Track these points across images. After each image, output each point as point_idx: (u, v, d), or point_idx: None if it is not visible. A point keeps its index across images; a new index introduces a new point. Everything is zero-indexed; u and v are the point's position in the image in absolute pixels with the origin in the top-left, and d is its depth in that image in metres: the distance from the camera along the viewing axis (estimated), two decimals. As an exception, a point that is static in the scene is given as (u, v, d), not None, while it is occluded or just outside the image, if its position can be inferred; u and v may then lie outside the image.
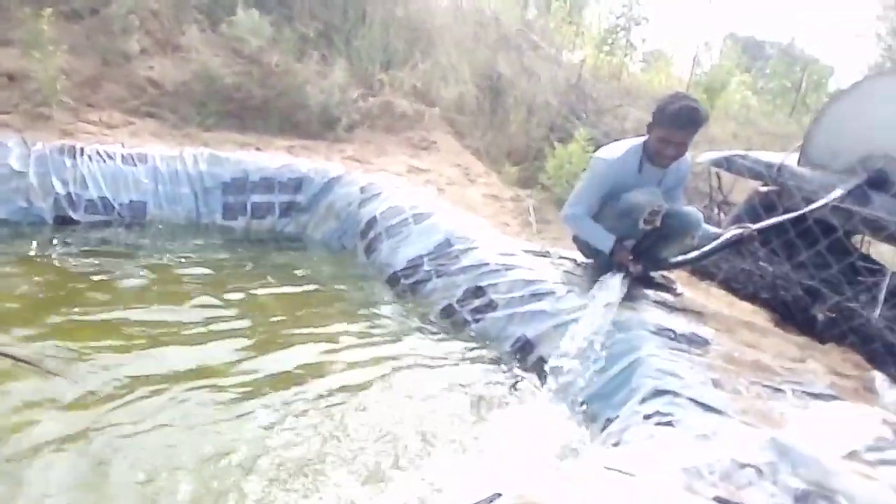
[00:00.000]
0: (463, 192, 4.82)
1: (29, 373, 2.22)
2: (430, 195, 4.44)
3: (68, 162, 3.79)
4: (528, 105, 6.42)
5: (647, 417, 2.11)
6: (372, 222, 4.05)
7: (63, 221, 3.74)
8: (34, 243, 3.48)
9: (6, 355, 2.27)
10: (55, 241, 3.55)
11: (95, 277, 3.16)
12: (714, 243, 3.17)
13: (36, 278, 3.05)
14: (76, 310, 2.78)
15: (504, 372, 2.82)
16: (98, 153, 3.91)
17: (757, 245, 3.57)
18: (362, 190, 4.33)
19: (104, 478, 1.81)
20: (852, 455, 1.87)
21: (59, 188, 3.73)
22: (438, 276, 3.49)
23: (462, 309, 3.27)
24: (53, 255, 3.37)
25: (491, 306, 3.19)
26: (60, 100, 4.31)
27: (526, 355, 2.93)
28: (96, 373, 2.30)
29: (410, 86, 6.05)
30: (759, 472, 1.73)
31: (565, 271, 3.30)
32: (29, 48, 4.29)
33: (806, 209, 3.45)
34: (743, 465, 1.74)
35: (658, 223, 3.03)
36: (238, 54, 5.43)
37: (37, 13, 4.25)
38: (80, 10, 5.06)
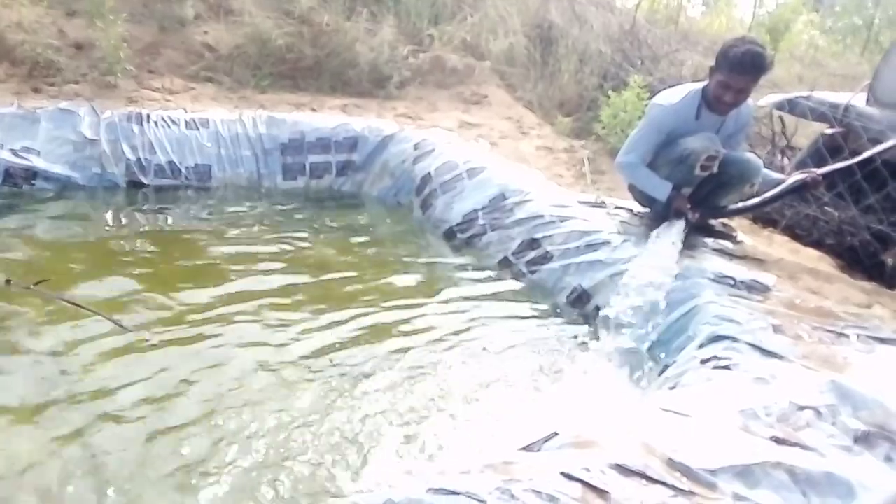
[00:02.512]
0: (516, 144, 4.80)
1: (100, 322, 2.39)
2: (483, 149, 4.45)
3: (136, 128, 3.97)
4: (579, 54, 6.28)
5: (704, 362, 2.12)
6: (426, 178, 4.10)
7: (134, 186, 3.94)
8: (110, 206, 3.68)
9: (77, 304, 2.45)
10: (129, 204, 3.75)
11: (168, 236, 3.34)
12: (776, 189, 3.09)
13: (113, 238, 3.24)
14: (150, 267, 2.96)
15: (561, 321, 2.87)
16: (163, 119, 4.07)
17: (822, 190, 3.45)
18: (416, 147, 4.37)
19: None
20: (918, 398, 1.84)
21: (129, 154, 3.92)
22: (493, 230, 3.53)
23: (518, 261, 3.31)
24: (128, 217, 3.57)
25: (546, 258, 3.22)
26: (124, 68, 4.47)
27: (583, 305, 2.96)
28: (170, 327, 2.46)
29: (460, 40, 6.00)
30: (819, 413, 1.74)
31: (621, 221, 3.28)
32: (92, 18, 4.46)
33: (874, 150, 3.31)
34: (802, 407, 1.75)
35: (715, 169, 2.97)
36: (289, 15, 5.48)
37: (98, -18, 4.40)
38: (137, -21, 5.19)
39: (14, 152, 3.67)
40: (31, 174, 3.71)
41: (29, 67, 4.28)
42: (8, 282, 2.57)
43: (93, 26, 4.45)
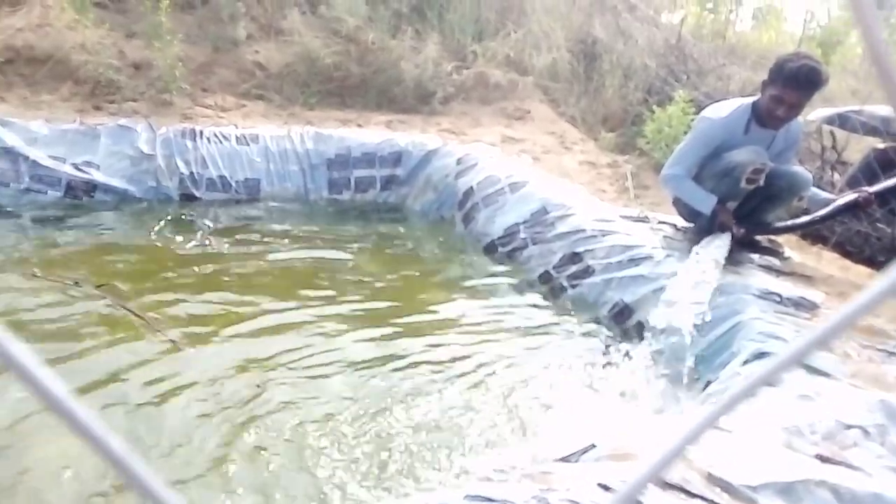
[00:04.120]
0: (558, 159, 4.80)
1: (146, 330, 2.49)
2: (525, 164, 4.47)
3: (189, 144, 4.13)
4: (624, 69, 6.25)
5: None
6: (469, 193, 4.14)
7: (187, 199, 4.10)
8: (164, 218, 3.83)
9: (133, 312, 2.56)
10: (182, 217, 3.90)
11: (220, 247, 3.45)
12: (827, 208, 3.01)
13: (167, 250, 3.37)
14: (201, 277, 3.07)
15: (602, 336, 2.86)
16: (215, 135, 4.22)
17: (874, 206, 3.36)
18: (459, 161, 4.42)
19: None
20: (973, 419, 1.78)
21: (182, 168, 4.08)
22: (535, 244, 3.54)
23: (559, 275, 3.31)
24: (181, 230, 3.70)
25: (588, 272, 3.21)
26: (179, 86, 4.66)
27: (624, 320, 2.94)
28: (217, 341, 2.55)
29: (503, 56, 6.05)
30: (866, 433, 1.70)
31: (664, 236, 3.26)
32: (150, 39, 4.66)
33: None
34: (848, 426, 1.71)
35: (761, 182, 2.92)
36: (336, 34, 5.62)
37: (156, 6, 4.60)
38: (193, 1, 5.42)
39: (76, 166, 3.86)
40: (91, 187, 3.89)
41: (91, 86, 4.51)
42: (77, 283, 2.73)
43: (150, 47, 4.66)
